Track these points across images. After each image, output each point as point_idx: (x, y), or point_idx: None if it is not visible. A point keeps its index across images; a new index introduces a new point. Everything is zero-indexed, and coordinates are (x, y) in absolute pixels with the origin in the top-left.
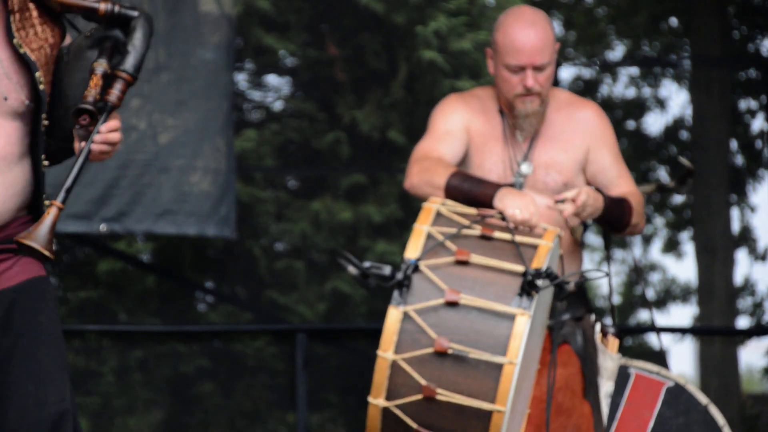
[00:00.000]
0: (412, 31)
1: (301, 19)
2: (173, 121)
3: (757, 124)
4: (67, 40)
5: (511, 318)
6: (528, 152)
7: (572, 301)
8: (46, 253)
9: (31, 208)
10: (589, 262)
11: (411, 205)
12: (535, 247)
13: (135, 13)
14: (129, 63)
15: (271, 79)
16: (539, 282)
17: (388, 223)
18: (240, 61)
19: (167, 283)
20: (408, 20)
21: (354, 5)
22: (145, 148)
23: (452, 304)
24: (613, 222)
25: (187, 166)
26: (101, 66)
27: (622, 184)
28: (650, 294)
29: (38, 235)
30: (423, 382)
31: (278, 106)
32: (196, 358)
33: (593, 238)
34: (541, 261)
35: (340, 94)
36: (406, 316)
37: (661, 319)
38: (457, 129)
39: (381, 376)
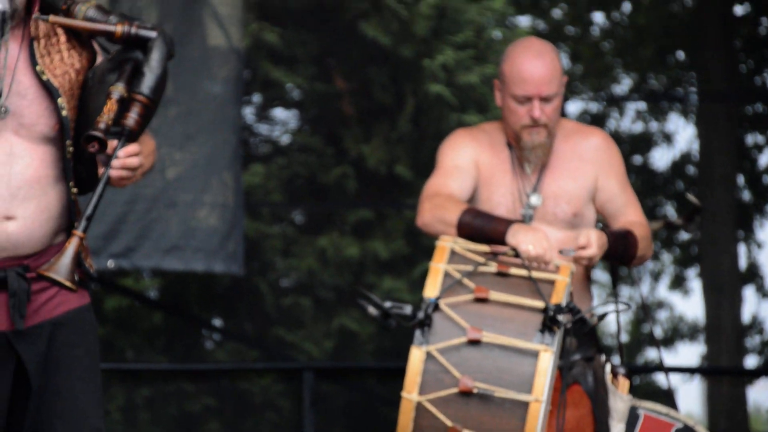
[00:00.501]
0: (419, 65)
1: (308, 52)
2: (181, 155)
3: (764, 158)
4: (99, 62)
5: (534, 355)
6: (537, 184)
7: (583, 341)
8: (68, 284)
9: (71, 234)
10: (597, 298)
11: (418, 241)
12: (552, 282)
13: (153, 34)
14: (145, 85)
15: (278, 112)
16: (560, 317)
17: (395, 259)
18: (247, 95)
19: (174, 320)
20: (415, 54)
21: (361, 38)
22: (152, 183)
23: (475, 343)
24: (619, 257)
25: (194, 201)
26: (117, 90)
27: (629, 212)
28: (658, 332)
29: (60, 267)
30: (449, 423)
31: (285, 139)
32: (203, 396)
33: (600, 274)
34: (559, 296)
35: (347, 127)
36: (429, 356)
37: (669, 357)
38: (466, 164)
39: (406, 418)
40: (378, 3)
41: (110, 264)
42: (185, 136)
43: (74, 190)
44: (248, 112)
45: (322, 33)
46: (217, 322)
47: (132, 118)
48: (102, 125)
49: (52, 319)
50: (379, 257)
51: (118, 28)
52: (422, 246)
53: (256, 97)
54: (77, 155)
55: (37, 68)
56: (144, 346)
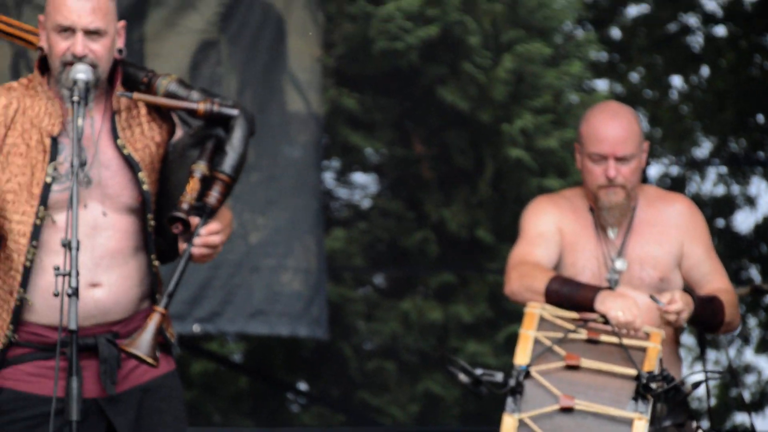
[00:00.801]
0: (498, 129)
1: (386, 117)
2: (263, 220)
3: None
4: (177, 136)
5: (628, 423)
6: (621, 248)
7: (673, 407)
8: (150, 360)
9: (154, 300)
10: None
11: (501, 305)
12: (643, 349)
13: (235, 112)
14: (227, 164)
15: (358, 177)
16: (653, 385)
17: (479, 323)
18: (326, 159)
19: (259, 384)
20: (493, 118)
21: (439, 103)
22: (236, 248)
23: (567, 410)
24: (706, 323)
25: (277, 266)
26: (199, 169)
27: (715, 279)
28: (746, 396)
29: (141, 342)
30: None
31: (366, 204)
32: None
33: (685, 338)
34: (651, 364)
35: (427, 192)
36: (522, 424)
37: (759, 422)
38: (550, 231)
39: None
40: (456, 68)
41: (196, 329)
42: (267, 201)
43: (156, 262)
44: (327, 177)
45: (400, 98)
46: (302, 386)
47: (214, 196)
48: (185, 205)
49: (141, 385)
50: (463, 321)
51: (201, 106)
52: (506, 310)
53: (335, 162)
54: (158, 227)
55: (119, 142)
56: (230, 410)
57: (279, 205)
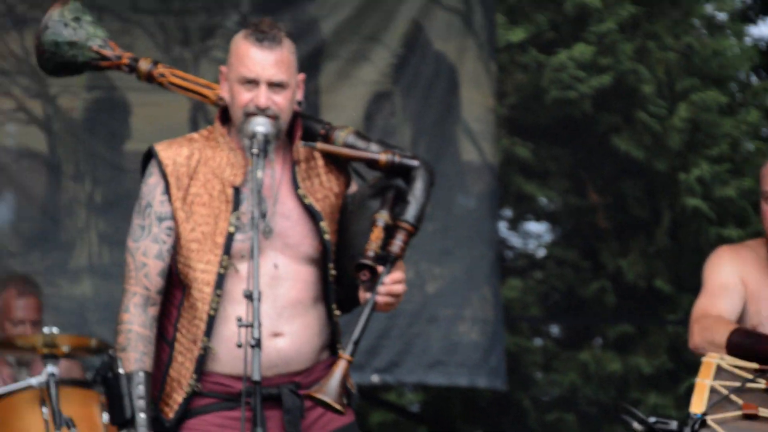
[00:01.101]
0: (675, 178)
1: (560, 165)
2: (440, 270)
3: None
4: (353, 188)
5: None
6: None
7: None
8: (338, 407)
9: (333, 350)
10: None
11: (682, 357)
12: None
13: (415, 163)
14: (410, 213)
15: (532, 226)
16: None
17: (659, 375)
18: (500, 209)
19: None
20: (669, 167)
21: (614, 152)
22: (413, 298)
23: None
24: None
25: (455, 316)
26: (382, 218)
27: None
28: None
29: (329, 389)
30: None
31: (541, 253)
32: None
33: None
34: None
35: (603, 241)
36: None
37: None
38: (732, 281)
39: None
40: (630, 117)
41: (375, 379)
42: (443, 251)
43: (337, 312)
44: (501, 226)
45: (574, 147)
46: None
47: (397, 245)
48: (371, 253)
49: None
50: (643, 373)
51: (382, 157)
52: (687, 362)
53: (507, 211)
54: (337, 277)
55: (299, 192)
56: None
57: (455, 255)
